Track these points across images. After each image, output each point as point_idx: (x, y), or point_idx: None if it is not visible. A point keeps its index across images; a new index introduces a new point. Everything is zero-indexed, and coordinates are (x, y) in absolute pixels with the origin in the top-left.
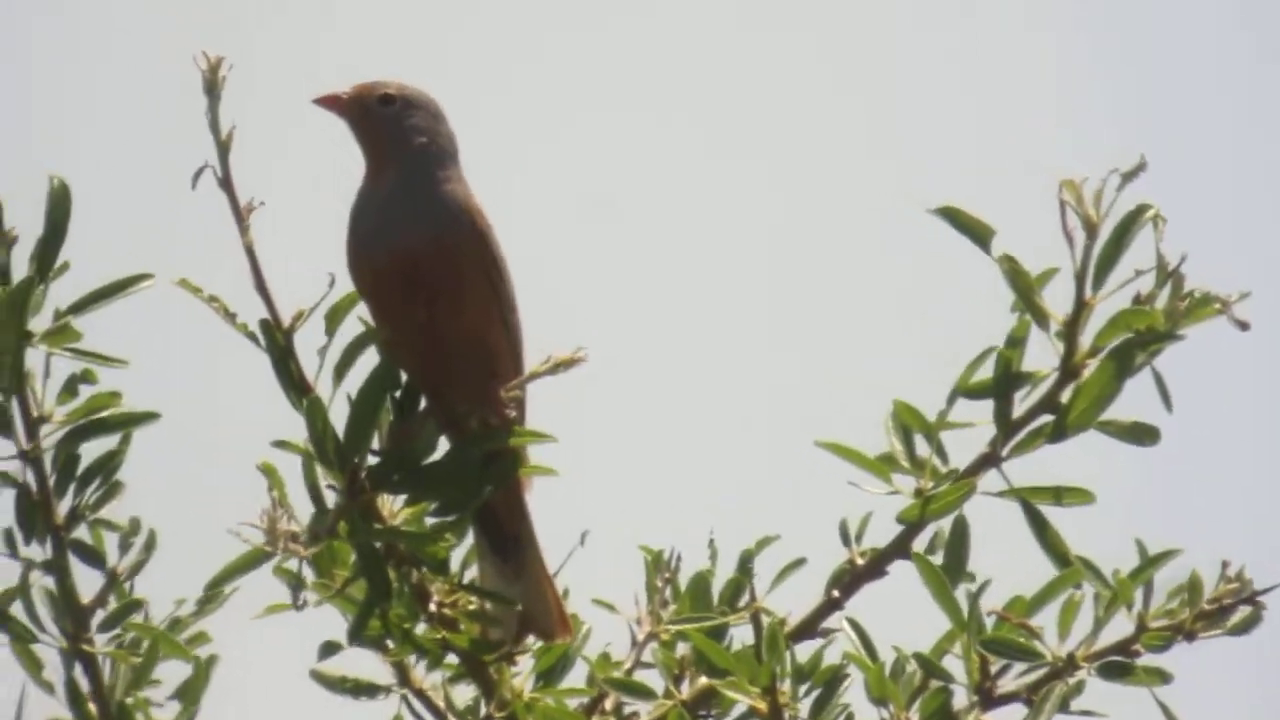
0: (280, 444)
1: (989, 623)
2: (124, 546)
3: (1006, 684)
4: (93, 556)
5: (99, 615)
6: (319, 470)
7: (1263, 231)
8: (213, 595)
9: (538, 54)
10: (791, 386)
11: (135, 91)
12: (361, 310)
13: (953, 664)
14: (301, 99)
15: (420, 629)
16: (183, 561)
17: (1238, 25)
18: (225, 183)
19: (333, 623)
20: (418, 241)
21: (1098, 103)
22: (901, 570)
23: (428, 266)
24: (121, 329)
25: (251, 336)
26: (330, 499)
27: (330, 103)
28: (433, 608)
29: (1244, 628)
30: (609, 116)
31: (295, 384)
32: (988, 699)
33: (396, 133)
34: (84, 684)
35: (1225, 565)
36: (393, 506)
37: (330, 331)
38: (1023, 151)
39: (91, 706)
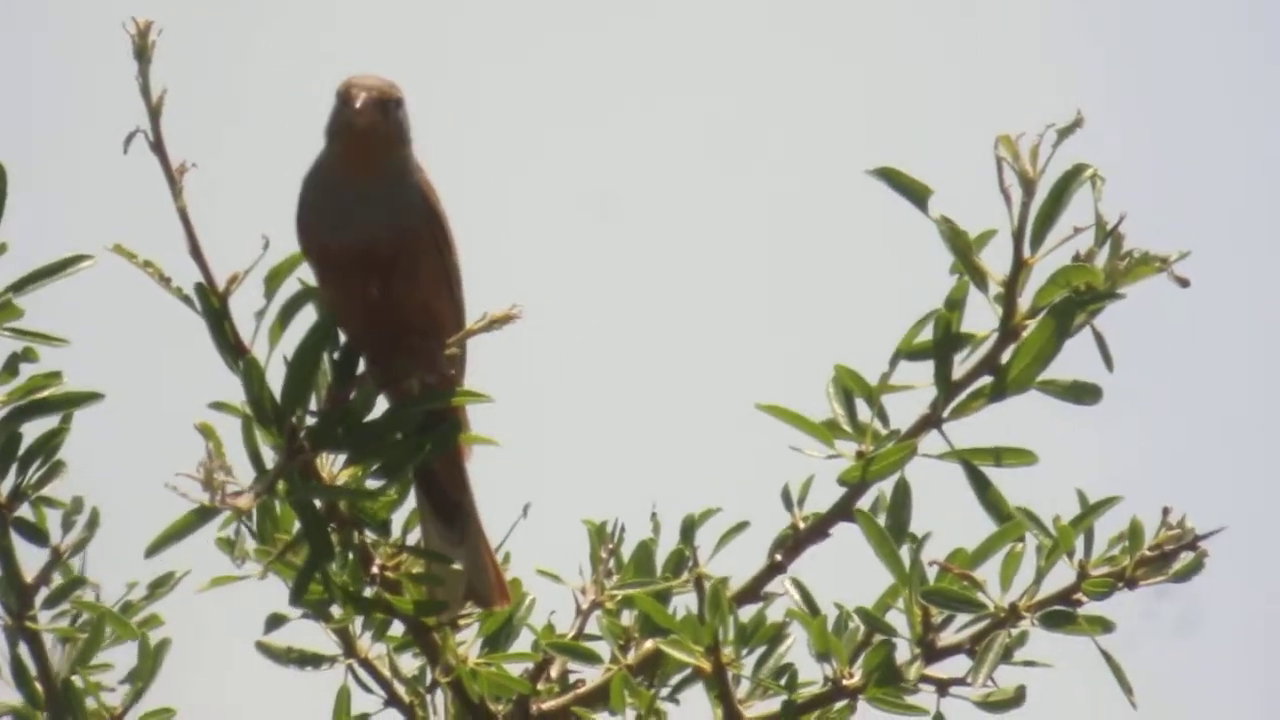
0: (217, 405)
1: (931, 574)
2: (67, 525)
3: (949, 636)
4: (36, 535)
5: (43, 593)
6: (258, 433)
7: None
8: (164, 578)
9: (537, 54)
10: (732, 351)
11: (71, 64)
12: (300, 272)
13: (896, 619)
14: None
15: (364, 593)
16: (127, 538)
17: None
18: (157, 146)
19: (279, 597)
20: (375, 225)
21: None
22: (844, 533)
23: (384, 247)
24: (62, 307)
25: (187, 300)
26: (270, 461)
27: (372, 111)
28: (375, 570)
29: (1186, 574)
30: (608, 116)
31: (231, 346)
32: (931, 651)
33: (397, 135)
34: (30, 663)
35: (1166, 512)
36: (333, 469)
37: (269, 294)
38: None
39: (37, 685)
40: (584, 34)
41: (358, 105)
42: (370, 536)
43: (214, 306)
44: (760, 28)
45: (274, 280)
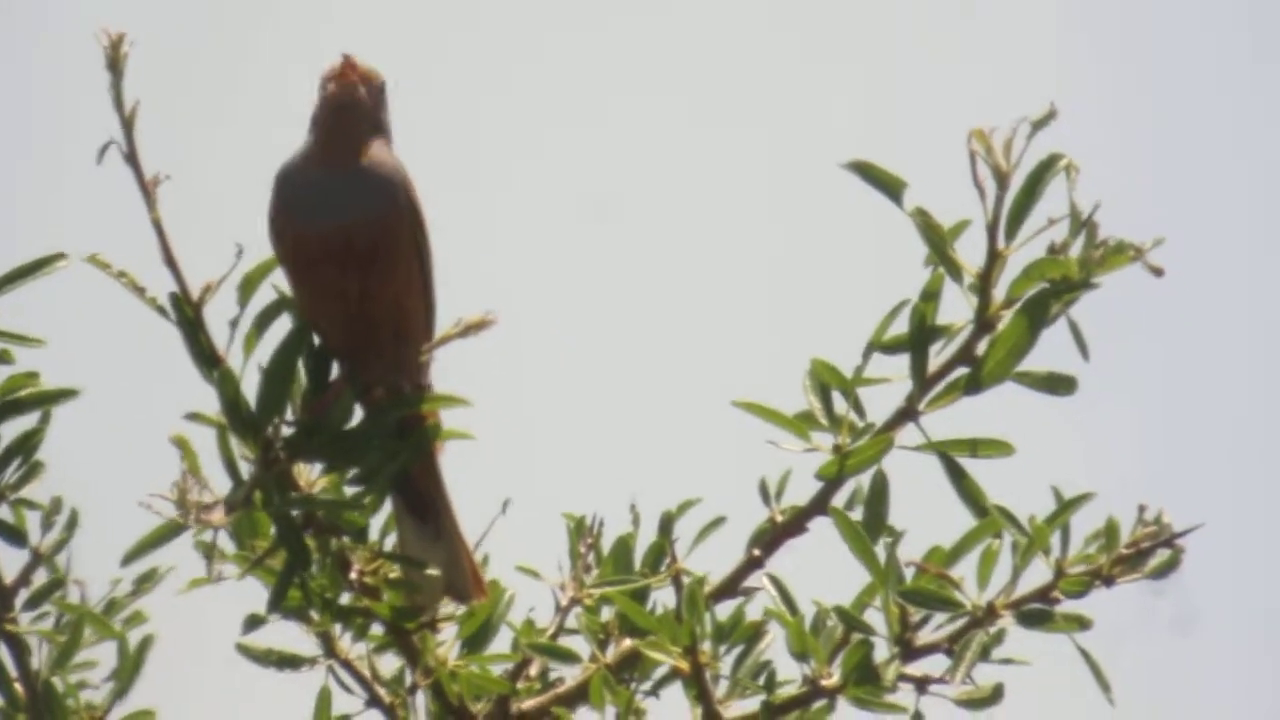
0: (193, 416)
1: (908, 574)
2: (46, 525)
3: (927, 635)
4: (15, 536)
5: (23, 595)
6: (233, 442)
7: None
8: (148, 574)
9: (537, 54)
10: (709, 346)
11: (45, 70)
12: (274, 280)
13: (874, 617)
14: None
15: (343, 599)
16: (109, 538)
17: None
18: (131, 158)
19: (261, 596)
20: (354, 217)
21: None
22: (823, 527)
23: (363, 240)
24: (38, 309)
25: (161, 310)
26: (246, 471)
27: (356, 84)
28: (354, 576)
29: (1162, 571)
30: (608, 117)
31: (206, 356)
32: (908, 650)
33: (376, 118)
34: (10, 664)
35: (1142, 509)
36: (310, 476)
37: (243, 302)
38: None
39: (18, 687)
40: (579, 35)
41: (341, 78)
42: (348, 542)
43: (188, 316)
44: (763, 30)
45: (248, 288)
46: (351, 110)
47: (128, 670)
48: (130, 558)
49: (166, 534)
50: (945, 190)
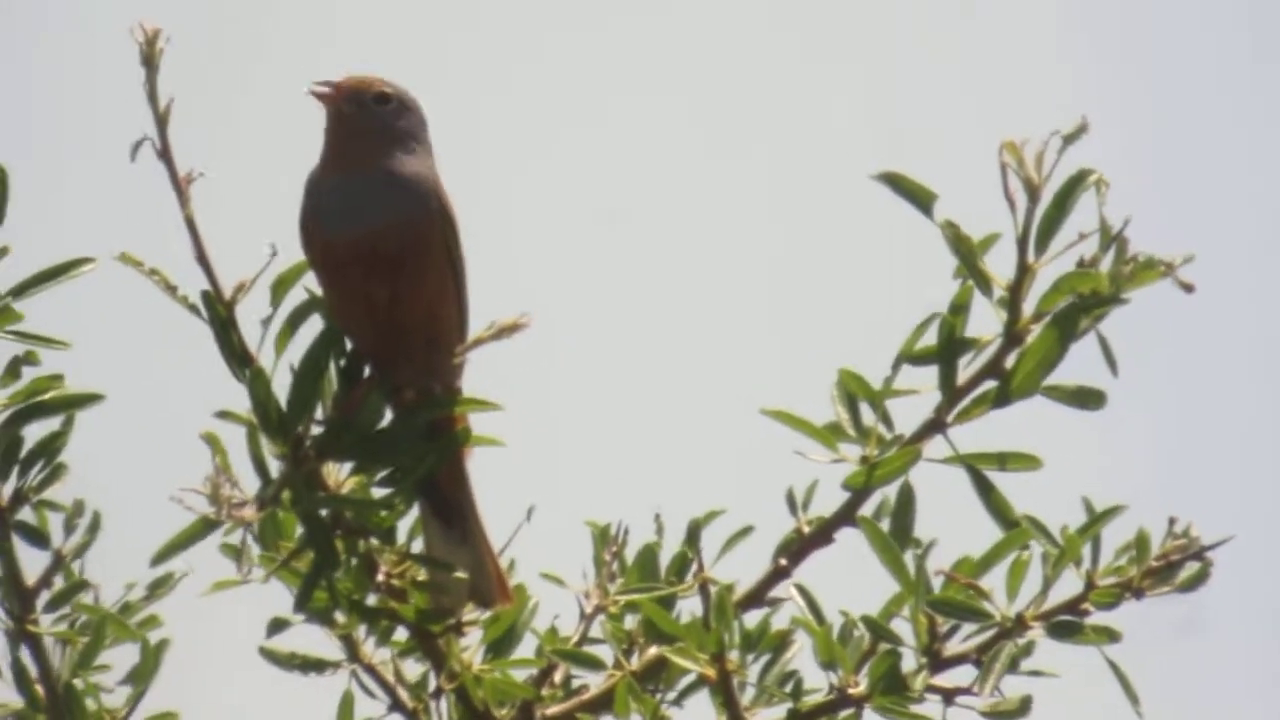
0: (223, 414)
1: (936, 584)
2: (69, 528)
3: (955, 645)
4: (37, 538)
5: (44, 596)
6: (263, 441)
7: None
8: (163, 579)
9: (539, 56)
10: (737, 355)
11: (74, 67)
12: (307, 280)
13: (901, 627)
14: (292, 88)
15: (369, 601)
16: (131, 542)
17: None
18: (164, 154)
19: (283, 599)
20: (382, 221)
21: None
22: (849, 538)
23: (391, 245)
24: (65, 311)
25: (193, 308)
26: (275, 470)
27: (330, 99)
28: (380, 578)
29: (1192, 584)
30: (614, 121)
31: (237, 355)
32: (936, 660)
33: (388, 132)
34: (31, 666)
35: (1173, 522)
36: (339, 477)
37: (275, 302)
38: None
39: (38, 688)
40: (594, 37)
41: (325, 97)
42: (375, 543)
43: (220, 315)
44: (767, 31)
45: (280, 288)
46: (342, 124)
47: (146, 671)
48: (161, 556)
49: (198, 532)
50: (945, 190)
